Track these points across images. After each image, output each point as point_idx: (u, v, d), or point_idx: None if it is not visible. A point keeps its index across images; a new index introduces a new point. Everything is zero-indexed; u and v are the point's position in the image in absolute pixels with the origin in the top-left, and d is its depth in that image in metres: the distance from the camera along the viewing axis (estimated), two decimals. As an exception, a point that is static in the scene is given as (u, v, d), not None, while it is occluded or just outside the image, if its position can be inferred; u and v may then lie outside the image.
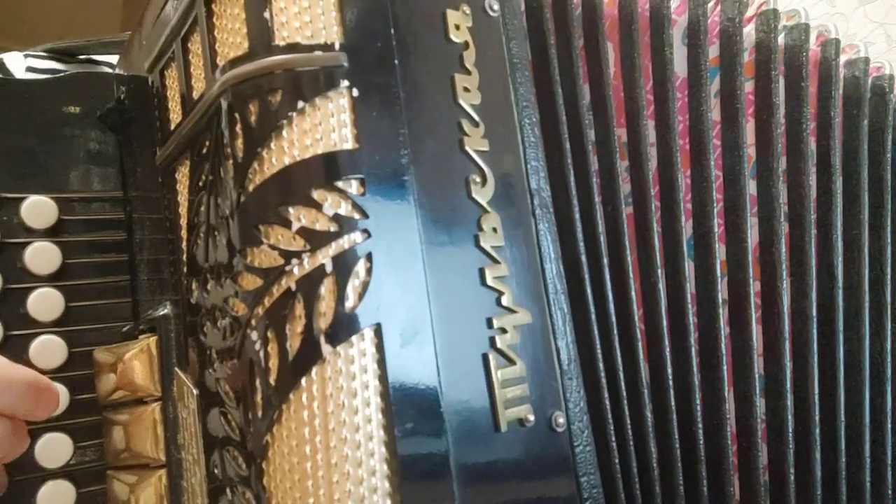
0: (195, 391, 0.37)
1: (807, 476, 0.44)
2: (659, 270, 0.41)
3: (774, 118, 0.46)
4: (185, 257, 0.38)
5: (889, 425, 0.49)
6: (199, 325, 0.36)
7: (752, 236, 0.46)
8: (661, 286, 0.41)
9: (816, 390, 0.45)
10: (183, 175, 0.39)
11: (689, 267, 0.43)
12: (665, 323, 0.40)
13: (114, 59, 0.62)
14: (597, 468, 0.36)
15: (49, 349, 0.46)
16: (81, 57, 0.60)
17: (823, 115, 0.50)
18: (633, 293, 0.41)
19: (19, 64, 0.60)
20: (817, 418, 0.45)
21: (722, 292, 0.43)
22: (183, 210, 0.39)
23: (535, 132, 0.38)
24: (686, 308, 0.41)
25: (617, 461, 0.37)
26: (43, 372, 0.46)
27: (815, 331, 0.46)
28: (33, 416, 0.40)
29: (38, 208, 0.47)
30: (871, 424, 0.48)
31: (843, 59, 0.53)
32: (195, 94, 0.36)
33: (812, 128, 0.49)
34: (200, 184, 0.35)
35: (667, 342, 0.40)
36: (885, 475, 0.48)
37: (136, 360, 0.41)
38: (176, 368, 0.39)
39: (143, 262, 0.48)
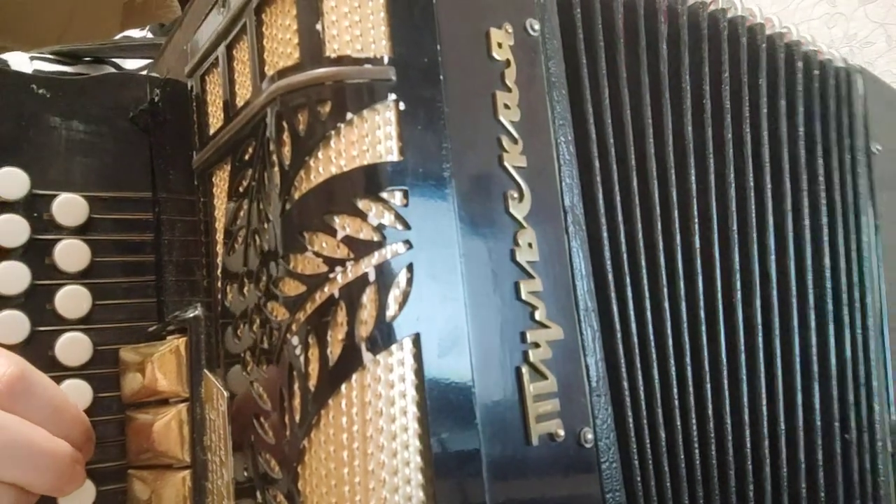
0: (226, 393, 0.37)
1: (759, 490, 0.45)
2: (664, 290, 0.41)
3: (724, 120, 0.47)
4: (219, 260, 0.39)
5: (818, 424, 0.49)
6: (233, 329, 0.36)
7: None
8: (666, 305, 0.41)
9: (764, 401, 0.46)
10: (221, 179, 0.39)
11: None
12: (671, 342, 0.41)
13: (120, 62, 0.63)
14: (622, 485, 0.36)
15: (74, 346, 0.46)
16: (87, 59, 0.60)
17: (753, 107, 0.50)
18: (648, 314, 0.41)
19: (25, 65, 0.60)
20: (766, 430, 0.46)
21: (703, 308, 0.44)
22: (219, 213, 0.39)
23: (569, 150, 0.38)
24: (681, 327, 0.42)
25: (639, 479, 0.38)
26: (67, 369, 0.46)
27: (760, 339, 0.47)
28: (58, 493, 0.39)
29: (69, 206, 0.48)
30: (804, 426, 0.48)
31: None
32: (239, 101, 0.37)
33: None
34: (241, 189, 0.36)
35: (672, 361, 0.41)
36: (817, 479, 0.48)
37: (165, 361, 0.42)
38: (205, 370, 0.40)
39: (172, 263, 0.49)
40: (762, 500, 0.46)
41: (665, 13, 0.46)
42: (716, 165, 0.47)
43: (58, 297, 0.47)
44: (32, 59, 0.58)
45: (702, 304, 0.44)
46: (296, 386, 0.31)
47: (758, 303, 0.47)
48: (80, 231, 0.48)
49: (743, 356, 0.46)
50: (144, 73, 0.59)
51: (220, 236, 0.39)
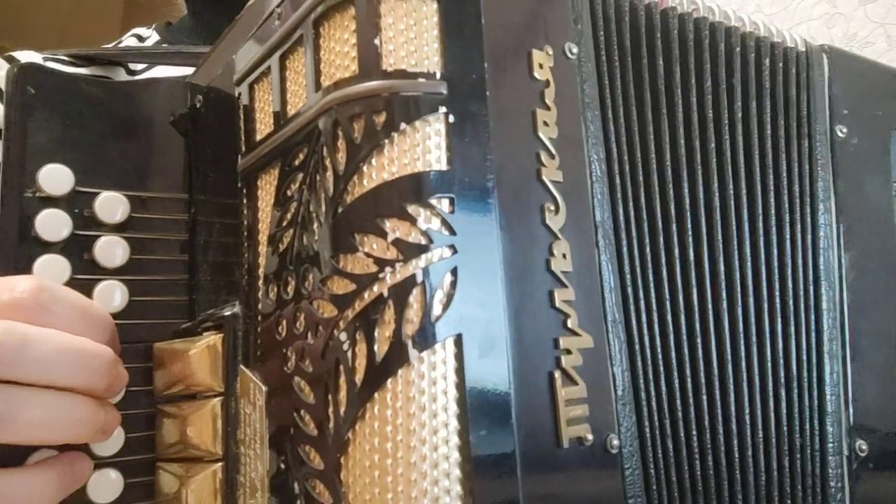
0: (264, 388, 0.38)
1: (746, 499, 0.46)
2: (668, 303, 0.43)
3: (708, 131, 0.47)
4: (261, 260, 0.40)
5: (784, 432, 0.48)
6: (274, 325, 0.38)
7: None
8: (670, 319, 0.43)
9: (747, 410, 0.46)
10: (266, 182, 0.41)
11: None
12: (674, 354, 0.42)
13: (132, 65, 0.64)
14: (644, 492, 0.37)
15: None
16: (101, 62, 0.62)
17: (730, 112, 0.49)
18: (657, 327, 0.42)
19: None
20: (749, 440, 0.46)
21: (699, 319, 0.45)
22: (263, 216, 0.41)
23: (601, 167, 0.40)
24: (682, 339, 0.43)
25: (654, 487, 0.39)
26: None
27: (743, 348, 0.47)
28: (109, 393, 0.41)
29: (111, 204, 0.49)
30: (776, 435, 0.48)
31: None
32: (290, 109, 0.38)
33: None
34: (289, 193, 0.37)
35: (676, 374, 0.42)
36: (784, 487, 0.48)
37: (201, 356, 0.43)
38: (241, 366, 0.41)
39: (207, 262, 0.50)
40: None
41: (660, 28, 0.47)
42: (703, 177, 0.48)
43: (95, 291, 0.48)
44: (45, 59, 0.59)
45: (697, 315, 0.45)
46: (342, 380, 0.32)
47: (739, 312, 0.48)
48: (119, 228, 0.50)
49: (730, 366, 0.46)
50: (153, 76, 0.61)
51: (262, 237, 0.41)
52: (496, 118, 0.35)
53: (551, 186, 0.37)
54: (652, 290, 0.43)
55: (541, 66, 0.38)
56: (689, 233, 0.46)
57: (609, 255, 0.39)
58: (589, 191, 0.39)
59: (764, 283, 0.49)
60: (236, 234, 0.44)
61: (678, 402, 0.43)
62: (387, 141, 0.33)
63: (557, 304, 0.36)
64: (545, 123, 0.37)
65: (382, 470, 0.30)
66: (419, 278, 0.31)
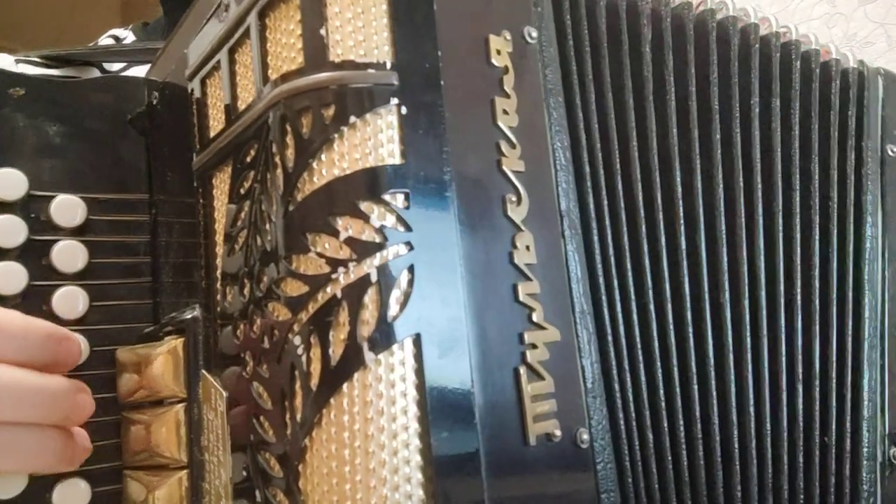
0: (225, 393, 0.37)
1: (746, 491, 0.45)
2: (650, 292, 0.42)
3: (713, 122, 0.47)
4: (219, 261, 0.39)
5: (801, 426, 0.49)
6: (232, 329, 0.37)
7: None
8: (652, 307, 0.42)
9: (751, 402, 0.46)
10: (221, 181, 0.39)
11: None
12: (657, 345, 0.42)
13: (108, 66, 0.63)
14: (617, 486, 0.36)
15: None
16: (74, 62, 0.60)
17: (744, 106, 0.49)
18: (635, 316, 0.42)
19: (10, 68, 0.60)
20: (753, 432, 0.46)
21: (689, 310, 0.44)
22: (219, 215, 0.39)
23: (566, 156, 0.39)
24: (667, 328, 0.42)
25: (630, 480, 0.38)
26: (63, 369, 0.46)
27: (748, 339, 0.47)
28: (56, 367, 0.39)
29: (67, 207, 0.48)
30: (788, 428, 0.48)
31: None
32: (241, 104, 0.37)
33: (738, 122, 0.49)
34: (242, 191, 0.36)
35: (659, 364, 0.41)
36: (796, 478, 0.48)
37: (162, 361, 0.42)
38: (203, 371, 0.40)
39: (168, 264, 0.49)
40: (748, 499, 0.46)
41: (649, 17, 0.46)
42: (703, 166, 0.47)
43: (55, 297, 0.47)
44: (18, 62, 0.58)
45: (688, 304, 0.44)
46: (297, 385, 0.31)
47: (746, 303, 0.48)
48: (77, 232, 0.49)
49: (731, 356, 0.46)
50: (131, 75, 0.59)
51: (219, 238, 0.39)
52: (452, 108, 0.34)
53: (512, 177, 0.36)
54: (630, 279, 0.42)
55: (498, 51, 0.37)
56: (681, 222, 0.45)
57: (576, 244, 0.38)
58: (553, 180, 0.38)
59: (781, 279, 0.49)
60: (195, 235, 0.42)
61: (661, 392, 0.42)
62: (336, 135, 0.31)
63: (521, 297, 0.35)
64: (504, 112, 0.36)
65: (341, 477, 0.29)
66: (374, 278, 0.30)
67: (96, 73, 0.61)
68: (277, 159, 0.33)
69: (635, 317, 0.41)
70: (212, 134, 0.40)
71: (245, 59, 0.37)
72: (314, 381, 0.30)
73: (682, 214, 0.46)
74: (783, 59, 0.52)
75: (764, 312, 0.48)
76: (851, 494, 0.50)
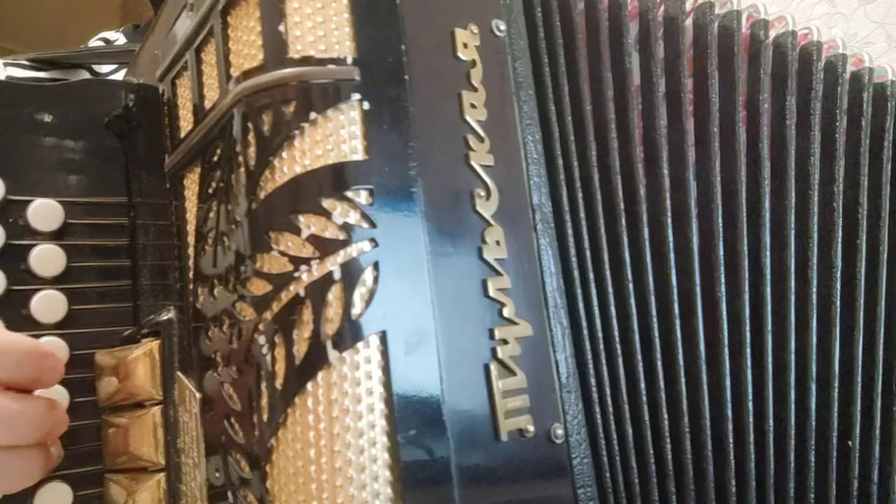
0: (198, 395, 0.37)
1: (743, 486, 0.45)
2: (630, 285, 0.42)
3: (710, 114, 0.46)
4: (191, 262, 0.39)
5: (812, 425, 0.48)
6: (204, 330, 0.36)
7: (697, 240, 0.46)
8: (632, 300, 0.42)
9: (750, 397, 0.45)
10: (192, 182, 0.39)
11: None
12: (637, 338, 0.41)
13: (97, 67, 0.63)
14: (594, 480, 0.36)
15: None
16: (64, 65, 0.60)
17: (752, 101, 0.49)
18: (612, 309, 0.41)
19: None
20: (751, 426, 0.45)
21: (677, 303, 0.44)
22: (191, 216, 0.39)
23: (537, 149, 0.39)
24: (651, 322, 0.42)
25: (608, 474, 0.38)
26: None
27: (748, 334, 0.46)
28: (39, 384, 0.39)
29: (44, 211, 0.48)
30: (796, 426, 0.48)
31: (772, 34, 0.51)
32: (207, 104, 0.37)
33: (743, 116, 0.48)
34: (210, 191, 0.36)
35: (639, 357, 0.41)
36: (806, 480, 0.48)
37: (139, 364, 0.42)
38: (178, 372, 0.40)
39: (146, 266, 0.49)
40: (745, 496, 0.46)
41: (636, 9, 0.46)
42: (698, 159, 0.47)
43: (33, 301, 0.47)
44: (6, 65, 0.58)
45: (676, 298, 0.44)
46: (263, 385, 0.31)
47: (746, 297, 0.47)
48: (55, 236, 0.48)
49: (727, 351, 0.46)
50: (120, 78, 0.59)
51: (191, 239, 0.39)
52: (417, 103, 0.34)
53: (481, 171, 0.35)
54: (607, 273, 0.41)
55: (465, 45, 0.36)
56: (668, 215, 0.44)
57: (549, 238, 0.38)
58: (524, 174, 0.38)
59: (792, 276, 0.48)
60: (171, 237, 0.42)
61: (642, 386, 0.42)
62: (297, 132, 0.31)
63: (491, 293, 0.34)
64: (472, 106, 0.36)
65: (307, 477, 0.29)
66: (337, 275, 0.30)
67: (86, 75, 0.61)
68: (240, 158, 0.32)
69: (613, 310, 0.40)
70: (182, 134, 0.40)
71: (211, 59, 0.37)
72: (279, 381, 0.30)
73: (669, 207, 0.45)
74: (803, 60, 0.51)
75: (769, 308, 0.48)
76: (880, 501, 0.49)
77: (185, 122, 0.40)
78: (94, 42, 0.76)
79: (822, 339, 0.50)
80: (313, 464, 0.29)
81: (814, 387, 0.49)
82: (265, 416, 0.31)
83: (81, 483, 0.46)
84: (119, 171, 0.52)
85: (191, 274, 0.38)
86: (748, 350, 0.47)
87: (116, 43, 0.75)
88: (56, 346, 0.46)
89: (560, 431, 0.35)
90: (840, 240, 0.51)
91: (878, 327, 0.52)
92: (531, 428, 0.34)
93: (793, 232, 0.49)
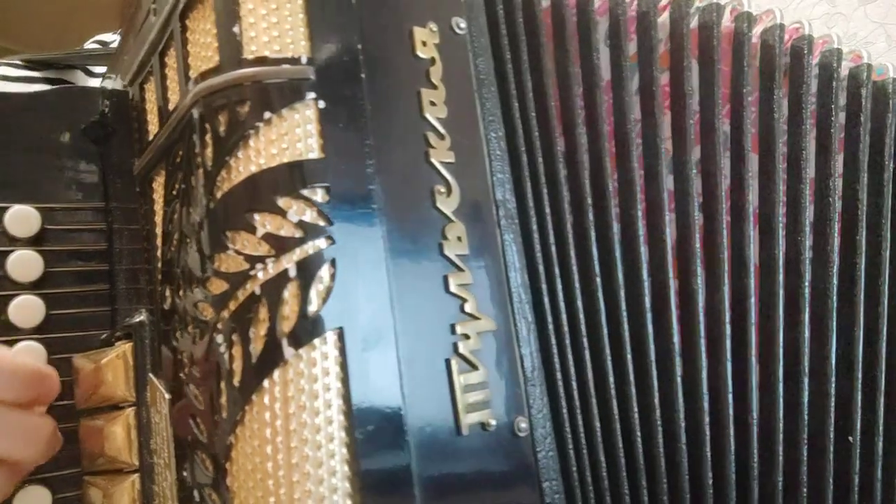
0: (167, 396, 0.37)
1: (722, 479, 0.45)
2: (598, 279, 0.42)
3: (687, 107, 0.46)
4: (159, 265, 0.39)
5: (805, 420, 0.48)
6: (172, 331, 0.37)
7: (673, 233, 0.46)
8: (600, 294, 0.42)
9: (730, 389, 0.45)
10: (159, 185, 0.40)
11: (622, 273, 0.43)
12: (605, 332, 0.41)
13: (93, 69, 0.63)
14: (559, 474, 0.36)
15: (29, 355, 0.47)
16: (59, 66, 0.61)
17: (736, 95, 0.48)
18: (578, 303, 0.41)
19: None
20: (731, 419, 0.45)
21: (648, 296, 0.44)
22: (158, 219, 0.40)
23: (500, 146, 0.39)
24: (620, 316, 0.42)
25: (575, 469, 0.38)
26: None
27: (728, 326, 0.46)
28: (37, 403, 0.40)
29: (21, 217, 0.48)
30: (785, 422, 0.47)
31: (758, 28, 0.51)
32: (171, 107, 0.37)
33: (727, 110, 0.49)
34: (174, 192, 0.36)
35: (608, 351, 0.41)
36: (798, 474, 0.48)
37: (113, 366, 0.42)
38: (150, 374, 0.40)
39: (122, 271, 0.49)
40: (723, 489, 0.46)
41: (605, 3, 0.46)
42: (675, 152, 0.47)
43: (11, 307, 0.47)
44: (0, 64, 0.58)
45: (647, 291, 0.44)
46: (222, 384, 0.31)
47: (725, 290, 0.47)
48: (33, 242, 0.49)
49: (703, 343, 0.46)
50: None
51: (159, 241, 0.39)
52: (374, 101, 0.34)
53: (441, 168, 0.36)
54: (573, 268, 0.42)
55: (424, 43, 0.36)
56: (638, 208, 0.44)
57: (513, 234, 0.38)
58: (487, 170, 0.38)
59: (781, 270, 0.48)
60: (142, 240, 0.43)
61: (611, 378, 0.42)
62: (252, 131, 0.31)
63: (452, 288, 0.34)
64: (432, 103, 0.36)
65: (264, 473, 0.29)
66: (292, 273, 0.30)
67: (81, 76, 0.62)
68: (199, 158, 0.33)
69: (580, 304, 0.41)
70: (149, 138, 0.41)
71: (173, 62, 0.37)
72: (237, 379, 0.30)
73: (638, 201, 0.45)
74: (794, 54, 0.50)
75: (752, 301, 0.47)
76: (884, 500, 0.49)
77: (153, 126, 0.40)
78: (90, 44, 0.77)
79: (816, 333, 0.49)
80: (270, 460, 0.29)
81: (806, 381, 0.48)
82: (224, 414, 0.31)
83: (60, 486, 0.46)
84: (96, 176, 0.52)
85: (159, 276, 0.39)
86: (728, 343, 0.47)
87: (113, 44, 0.76)
88: (34, 351, 0.47)
89: (524, 425, 0.35)
90: (837, 235, 0.50)
91: (882, 324, 0.51)
92: (493, 422, 0.34)
93: (781, 226, 0.49)
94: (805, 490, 0.49)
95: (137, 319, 0.42)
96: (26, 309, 0.47)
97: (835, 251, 0.50)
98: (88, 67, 0.62)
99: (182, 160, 0.35)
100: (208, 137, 0.32)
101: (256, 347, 0.30)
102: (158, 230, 0.40)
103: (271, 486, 0.29)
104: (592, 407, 0.40)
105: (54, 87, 0.59)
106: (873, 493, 0.50)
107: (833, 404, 0.49)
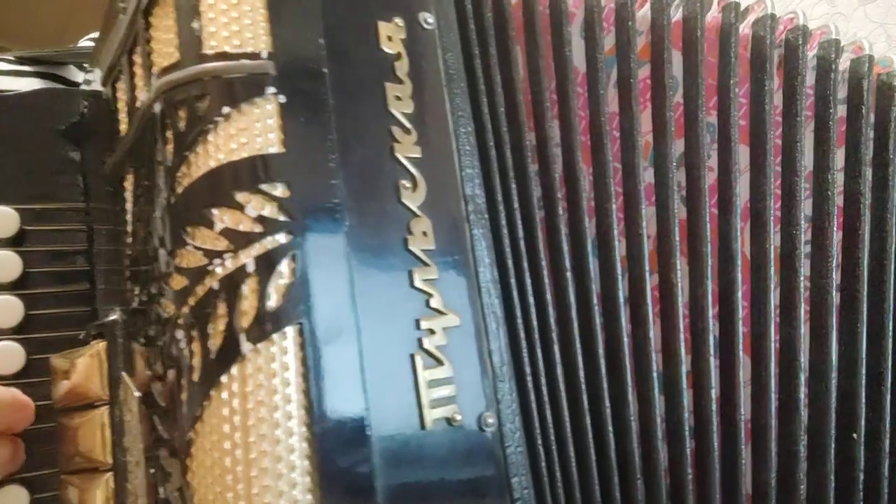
0: (136, 394, 0.37)
1: (704, 476, 0.44)
2: (568, 273, 0.41)
3: (668, 99, 0.46)
4: (128, 263, 0.39)
5: (803, 417, 0.47)
6: (139, 329, 0.37)
7: (652, 227, 0.45)
8: (571, 289, 0.41)
9: (714, 384, 0.45)
10: (129, 183, 0.40)
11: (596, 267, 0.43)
12: (576, 326, 0.41)
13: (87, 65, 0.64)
14: (528, 470, 0.36)
15: (7, 355, 0.47)
16: (53, 63, 0.61)
17: (723, 86, 0.48)
18: (548, 297, 0.41)
19: None
20: (715, 416, 0.45)
21: (624, 290, 0.43)
22: (129, 217, 0.40)
23: (470, 141, 0.39)
24: (592, 310, 0.42)
25: (543, 464, 0.38)
26: (1, 377, 0.47)
27: (710, 321, 0.45)
28: (10, 431, 0.41)
29: (1, 218, 0.48)
30: (780, 417, 0.47)
31: (750, 18, 0.50)
32: (138, 105, 0.37)
33: (714, 102, 0.48)
34: (139, 191, 0.36)
35: (578, 346, 0.41)
36: (795, 472, 0.47)
37: (87, 365, 0.42)
38: (123, 372, 0.40)
39: (102, 271, 0.49)
40: (706, 487, 0.45)
41: None
42: (656, 145, 0.46)
43: (-10, 307, 0.47)
44: None
45: (620, 285, 0.43)
46: (183, 380, 0.31)
47: (708, 284, 0.46)
48: (12, 243, 0.49)
49: (682, 338, 0.45)
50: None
51: (129, 239, 0.40)
52: (338, 96, 0.34)
53: (407, 163, 0.35)
54: (542, 262, 0.41)
55: (389, 38, 0.36)
56: (612, 202, 0.44)
57: (483, 229, 0.38)
58: (456, 165, 0.38)
59: (773, 264, 0.47)
60: (116, 240, 0.43)
61: (581, 373, 0.41)
62: (211, 126, 0.31)
63: (417, 283, 0.34)
64: (398, 98, 0.36)
65: (223, 468, 0.29)
66: (251, 268, 0.30)
67: (73, 70, 0.62)
68: (160, 155, 0.33)
69: (549, 298, 0.40)
70: (121, 136, 0.41)
71: (140, 60, 0.37)
72: (196, 375, 0.30)
73: (613, 194, 0.45)
74: (788, 44, 0.50)
75: (738, 296, 0.47)
76: (892, 499, 0.49)
77: (123, 125, 0.40)
78: (84, 42, 0.77)
79: (815, 330, 0.48)
80: (229, 456, 0.29)
81: (803, 377, 0.47)
82: (184, 410, 0.31)
83: (38, 486, 0.46)
84: (76, 177, 0.53)
85: (127, 274, 0.39)
86: (711, 338, 0.46)
87: None
88: (13, 351, 0.47)
89: (492, 420, 0.35)
90: (836, 229, 0.49)
91: (888, 319, 0.50)
92: (459, 417, 0.34)
93: (772, 219, 0.48)
94: (803, 489, 0.48)
95: (111, 318, 0.41)
96: (5, 309, 0.48)
97: (834, 246, 0.49)
98: (84, 64, 0.63)
99: (146, 157, 0.35)
100: (169, 133, 0.32)
101: (215, 343, 0.30)
102: (130, 228, 0.40)
103: (230, 482, 0.29)
104: (562, 402, 0.39)
105: (36, 88, 0.59)
106: (880, 492, 0.49)
107: (834, 402, 0.48)
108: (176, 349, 0.31)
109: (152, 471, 0.35)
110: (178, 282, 0.31)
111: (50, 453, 0.47)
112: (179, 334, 0.31)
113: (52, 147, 0.52)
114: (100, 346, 0.42)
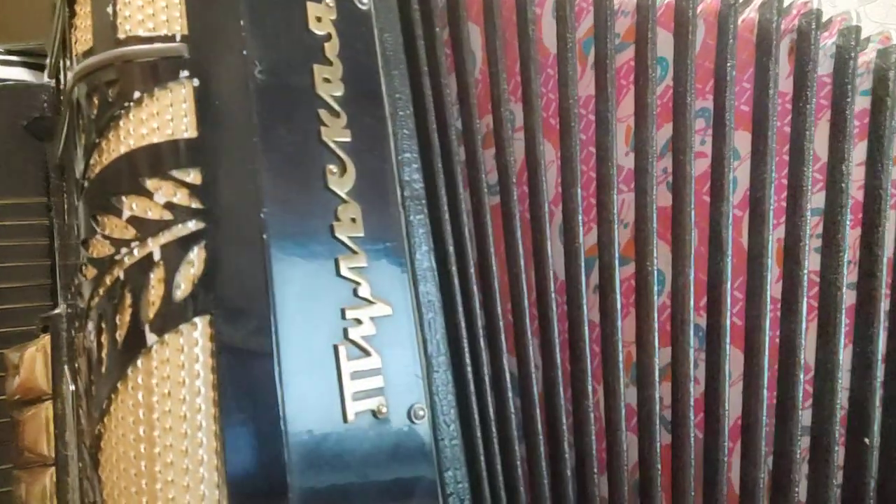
0: (72, 387, 0.37)
1: (680, 471, 0.42)
2: (521, 261, 0.40)
3: (650, 83, 0.44)
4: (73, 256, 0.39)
5: (801, 416, 0.45)
6: (73, 322, 0.36)
7: (629, 212, 0.44)
8: (524, 277, 0.39)
9: (692, 376, 0.43)
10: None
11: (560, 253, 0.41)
12: (528, 315, 0.39)
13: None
14: (463, 463, 0.35)
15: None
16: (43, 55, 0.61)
17: (720, 70, 0.46)
18: (496, 285, 0.39)
19: None
20: (691, 408, 0.43)
21: (594, 278, 0.41)
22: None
23: (408, 124, 0.37)
24: (549, 298, 0.40)
25: (482, 458, 0.36)
26: (-40, 373, 0.47)
27: (691, 312, 0.43)
28: None
29: (-41, 214, 0.48)
30: (777, 415, 0.44)
31: (756, 3, 0.48)
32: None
33: (711, 86, 0.46)
34: (69, 182, 0.36)
35: (530, 335, 0.39)
36: (790, 472, 0.45)
37: (34, 359, 0.42)
38: (65, 366, 0.40)
39: (63, 266, 0.49)
40: (681, 484, 0.44)
41: None
42: (637, 128, 0.45)
43: (-50, 303, 0.47)
44: None
45: (582, 272, 0.41)
46: (92, 373, 0.30)
47: (690, 273, 0.44)
48: (-27, 238, 0.49)
49: (655, 328, 0.43)
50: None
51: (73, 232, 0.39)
52: (258, 78, 0.33)
53: (335, 147, 0.34)
54: (490, 250, 0.40)
55: (318, 19, 0.35)
56: (578, 187, 0.42)
57: (420, 214, 0.37)
58: (392, 149, 0.36)
59: (771, 255, 0.45)
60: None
61: (531, 363, 0.40)
62: (122, 112, 0.31)
63: (344, 272, 0.33)
64: (326, 80, 0.35)
65: (128, 463, 0.29)
66: (157, 257, 0.29)
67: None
68: (75, 142, 0.32)
69: (496, 286, 0.39)
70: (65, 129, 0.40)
71: (69, 48, 0.37)
72: (104, 367, 0.30)
73: (579, 178, 0.43)
74: (800, 30, 0.47)
75: (727, 287, 0.45)
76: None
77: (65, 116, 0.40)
78: None
79: (821, 325, 0.46)
80: (133, 449, 0.28)
81: (802, 376, 0.45)
82: (94, 403, 0.30)
83: (-4, 481, 0.46)
84: (40, 172, 0.52)
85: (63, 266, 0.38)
86: (690, 328, 0.44)
87: None
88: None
89: (422, 412, 0.34)
90: (848, 223, 0.47)
91: None
92: (384, 409, 0.32)
93: (772, 209, 0.46)
94: (798, 490, 0.45)
95: (55, 311, 0.41)
96: (-35, 304, 0.48)
97: (845, 239, 0.47)
98: None
99: (71, 146, 0.34)
100: (83, 120, 0.32)
101: (121, 334, 0.29)
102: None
103: (134, 476, 0.28)
104: (506, 393, 0.38)
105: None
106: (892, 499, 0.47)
107: (839, 402, 0.46)
108: (87, 341, 0.31)
109: (80, 465, 0.35)
110: (90, 272, 0.31)
111: (7, 449, 0.47)
112: (90, 325, 0.30)
113: (17, 142, 0.52)
114: (46, 339, 0.42)
